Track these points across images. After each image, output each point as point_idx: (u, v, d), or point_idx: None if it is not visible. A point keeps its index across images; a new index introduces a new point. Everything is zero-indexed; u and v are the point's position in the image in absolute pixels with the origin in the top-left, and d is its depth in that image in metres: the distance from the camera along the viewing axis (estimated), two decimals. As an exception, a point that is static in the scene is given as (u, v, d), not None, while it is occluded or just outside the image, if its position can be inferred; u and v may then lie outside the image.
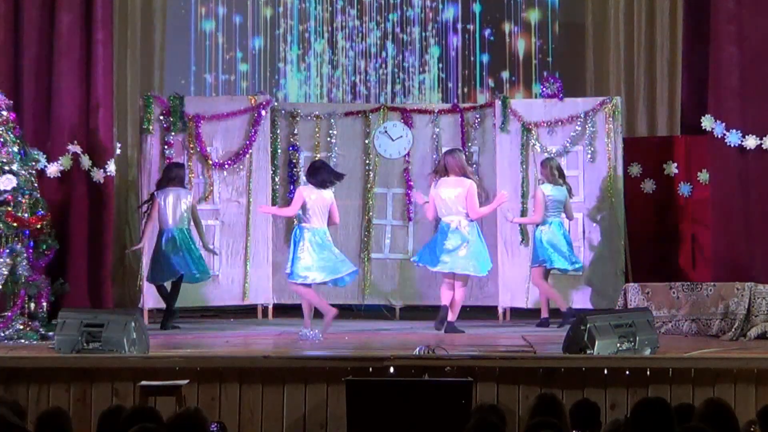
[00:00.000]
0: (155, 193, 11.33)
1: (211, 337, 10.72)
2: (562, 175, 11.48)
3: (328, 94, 13.94)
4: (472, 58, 13.98)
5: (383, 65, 13.98)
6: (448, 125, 12.60)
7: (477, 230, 10.87)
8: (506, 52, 13.98)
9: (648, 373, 8.36)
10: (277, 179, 12.50)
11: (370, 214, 12.57)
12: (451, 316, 10.82)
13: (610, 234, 12.00)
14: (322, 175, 10.49)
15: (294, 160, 12.55)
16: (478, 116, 12.54)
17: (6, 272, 10.02)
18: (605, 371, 8.37)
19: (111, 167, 11.75)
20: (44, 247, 10.38)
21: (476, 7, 13.96)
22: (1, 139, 10.27)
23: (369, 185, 12.58)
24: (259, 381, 8.38)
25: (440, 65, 14.02)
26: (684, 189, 12.39)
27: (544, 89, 12.39)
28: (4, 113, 10.37)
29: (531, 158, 12.20)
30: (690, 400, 8.09)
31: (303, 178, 11.54)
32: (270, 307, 12.42)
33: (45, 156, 11.30)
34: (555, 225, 11.36)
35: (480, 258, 10.82)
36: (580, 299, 11.79)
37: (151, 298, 11.89)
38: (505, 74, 13.96)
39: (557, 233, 11.33)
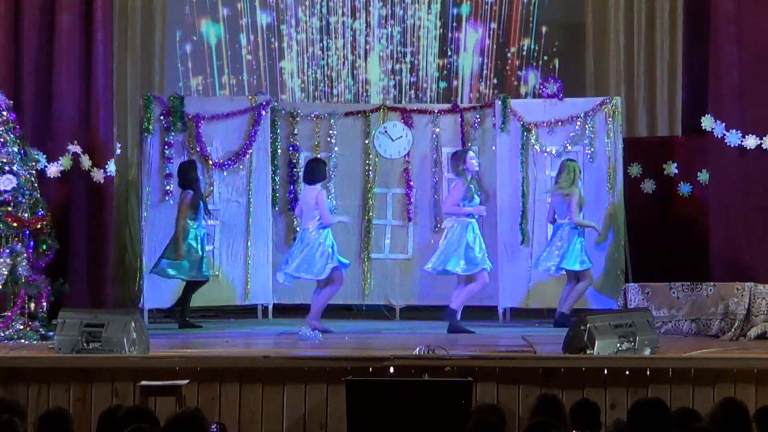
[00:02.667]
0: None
1: (211, 337, 10.72)
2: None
3: (328, 94, 13.93)
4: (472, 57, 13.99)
5: (384, 63, 13.98)
6: (448, 125, 12.60)
7: (458, 230, 10.95)
8: (507, 52, 13.99)
9: (648, 373, 8.36)
10: (277, 179, 12.50)
11: (370, 214, 12.56)
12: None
13: (610, 234, 11.99)
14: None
15: (294, 160, 12.55)
16: (477, 116, 12.54)
17: (6, 272, 10.03)
18: (605, 371, 8.37)
19: (111, 167, 11.76)
20: (44, 247, 10.39)
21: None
22: (1, 139, 10.28)
23: (369, 185, 12.58)
24: (259, 381, 8.37)
25: (441, 64, 14.02)
26: (684, 189, 12.38)
27: (544, 89, 12.39)
28: (4, 113, 10.38)
29: (531, 158, 12.21)
30: (690, 400, 8.12)
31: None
32: (270, 307, 12.41)
33: (45, 156, 11.31)
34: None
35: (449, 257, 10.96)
36: (580, 299, 11.76)
37: (151, 298, 11.90)
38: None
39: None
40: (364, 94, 13.86)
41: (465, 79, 13.96)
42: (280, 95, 13.78)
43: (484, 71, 13.91)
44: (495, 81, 13.90)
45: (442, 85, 13.91)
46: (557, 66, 13.88)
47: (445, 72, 13.94)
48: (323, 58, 13.87)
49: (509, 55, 13.89)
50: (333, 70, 13.87)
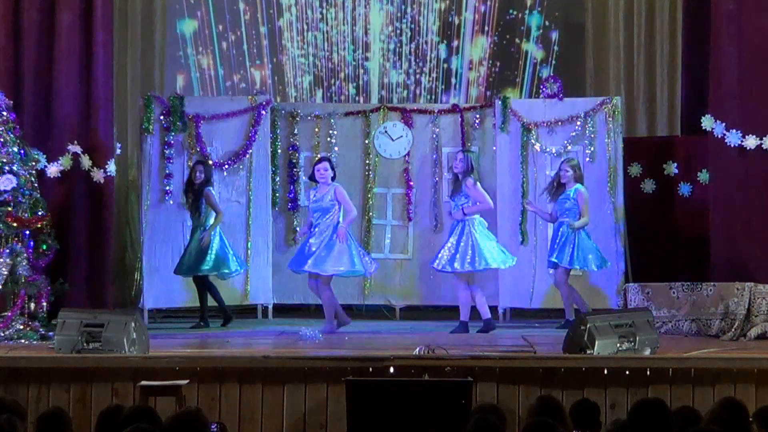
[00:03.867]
0: (209, 189, 11.47)
1: (211, 337, 10.73)
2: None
3: (327, 94, 13.93)
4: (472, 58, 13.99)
5: (384, 64, 13.98)
6: (448, 125, 12.61)
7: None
8: (507, 52, 13.99)
9: (648, 373, 8.37)
10: (277, 179, 12.51)
11: (370, 214, 12.56)
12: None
13: (610, 234, 11.99)
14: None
15: (294, 160, 12.56)
16: (478, 116, 12.55)
17: (6, 272, 10.03)
18: (605, 371, 8.37)
19: (111, 167, 11.76)
20: (44, 247, 10.39)
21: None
22: (1, 139, 10.28)
23: (369, 185, 12.59)
24: (259, 381, 8.38)
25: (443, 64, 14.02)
26: (684, 189, 12.39)
27: (544, 89, 12.39)
28: (4, 113, 10.38)
29: (531, 158, 12.20)
30: (690, 400, 8.12)
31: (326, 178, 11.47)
32: (270, 307, 12.42)
33: (45, 156, 11.31)
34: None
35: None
36: (579, 298, 11.76)
37: (151, 298, 11.90)
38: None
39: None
40: (364, 61, 13.85)
41: (465, 36, 13.91)
42: (281, 56, 13.77)
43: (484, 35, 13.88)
44: (494, 46, 13.88)
45: (442, 47, 13.89)
46: (557, 65, 13.88)
47: (445, 41, 13.92)
48: (322, 20, 13.86)
49: (510, 16, 13.89)
50: (332, 27, 13.85)
